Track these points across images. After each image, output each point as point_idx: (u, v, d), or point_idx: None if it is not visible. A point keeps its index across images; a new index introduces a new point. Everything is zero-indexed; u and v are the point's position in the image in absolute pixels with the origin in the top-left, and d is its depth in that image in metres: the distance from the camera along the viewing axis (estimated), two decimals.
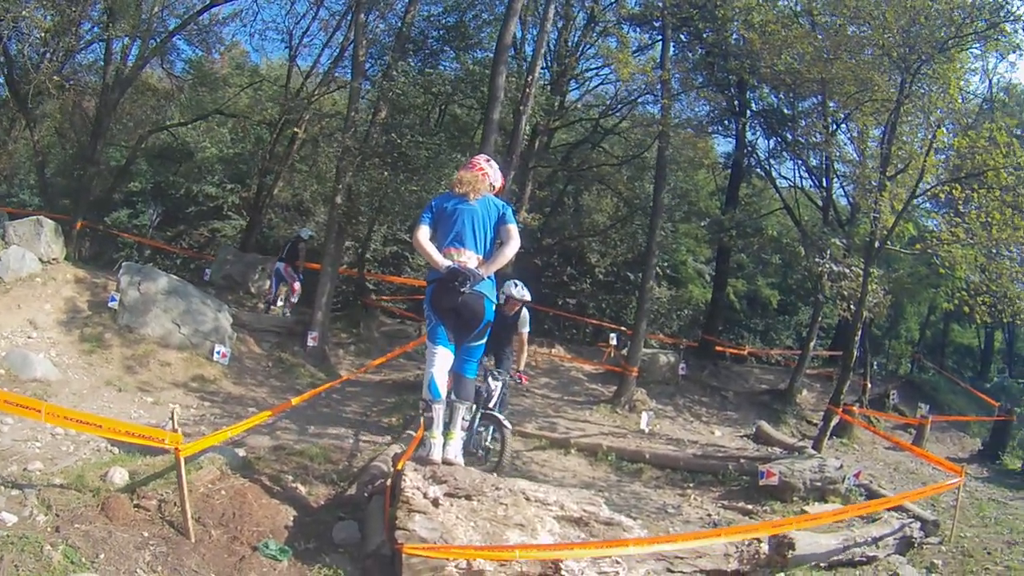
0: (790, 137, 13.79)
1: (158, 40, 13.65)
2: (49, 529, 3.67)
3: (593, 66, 16.92)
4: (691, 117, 15.77)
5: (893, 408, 14.32)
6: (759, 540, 5.37)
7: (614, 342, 14.88)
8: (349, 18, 14.04)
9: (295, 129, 15.30)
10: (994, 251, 10.18)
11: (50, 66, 11.90)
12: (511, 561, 4.00)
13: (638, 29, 15.42)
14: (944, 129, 10.39)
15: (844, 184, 13.45)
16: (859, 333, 10.25)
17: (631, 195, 17.36)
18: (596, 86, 17.80)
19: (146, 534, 3.96)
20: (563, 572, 4.12)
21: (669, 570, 4.87)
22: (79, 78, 12.99)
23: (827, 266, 10.43)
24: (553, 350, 15.51)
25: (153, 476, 4.50)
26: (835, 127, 12.78)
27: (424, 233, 4.48)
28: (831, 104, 12.28)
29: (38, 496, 3.99)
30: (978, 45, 10.30)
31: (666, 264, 19.43)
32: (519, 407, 10.99)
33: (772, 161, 15.18)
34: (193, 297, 9.96)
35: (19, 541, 3.40)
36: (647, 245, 12.94)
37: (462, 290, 4.26)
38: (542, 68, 16.91)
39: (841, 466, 7.86)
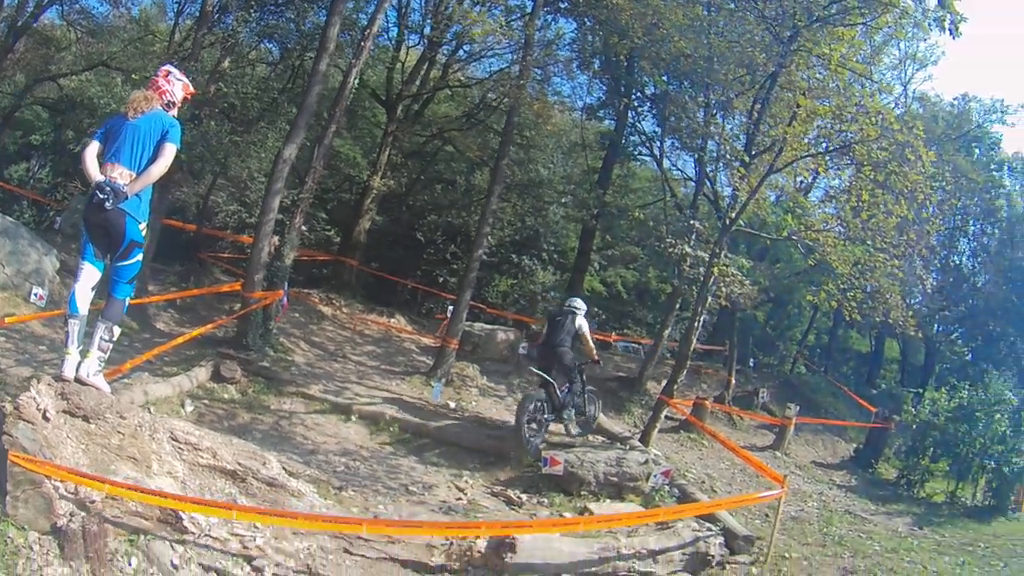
0: (679, 122, 12.91)
1: None
2: None
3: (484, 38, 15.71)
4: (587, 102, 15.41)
5: (761, 407, 13.60)
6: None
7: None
8: None
9: None
10: (868, 241, 9.44)
11: None
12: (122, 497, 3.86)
13: None
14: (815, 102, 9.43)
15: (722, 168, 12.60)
16: (699, 320, 9.41)
17: (521, 176, 16.32)
18: (474, 59, 16.69)
19: None
20: (186, 523, 3.97)
21: (347, 551, 4.40)
22: None
23: (682, 249, 9.69)
24: (392, 320, 14.35)
25: None
26: (715, 112, 11.86)
27: (91, 148, 4.47)
28: (716, 86, 11.43)
29: None
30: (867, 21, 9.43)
31: (553, 248, 18.36)
32: (319, 371, 10.25)
33: (654, 143, 14.41)
34: (22, 239, 9.78)
35: None
36: (481, 213, 12.00)
37: (106, 206, 4.20)
38: (417, 35, 16.06)
39: (646, 461, 6.73)
